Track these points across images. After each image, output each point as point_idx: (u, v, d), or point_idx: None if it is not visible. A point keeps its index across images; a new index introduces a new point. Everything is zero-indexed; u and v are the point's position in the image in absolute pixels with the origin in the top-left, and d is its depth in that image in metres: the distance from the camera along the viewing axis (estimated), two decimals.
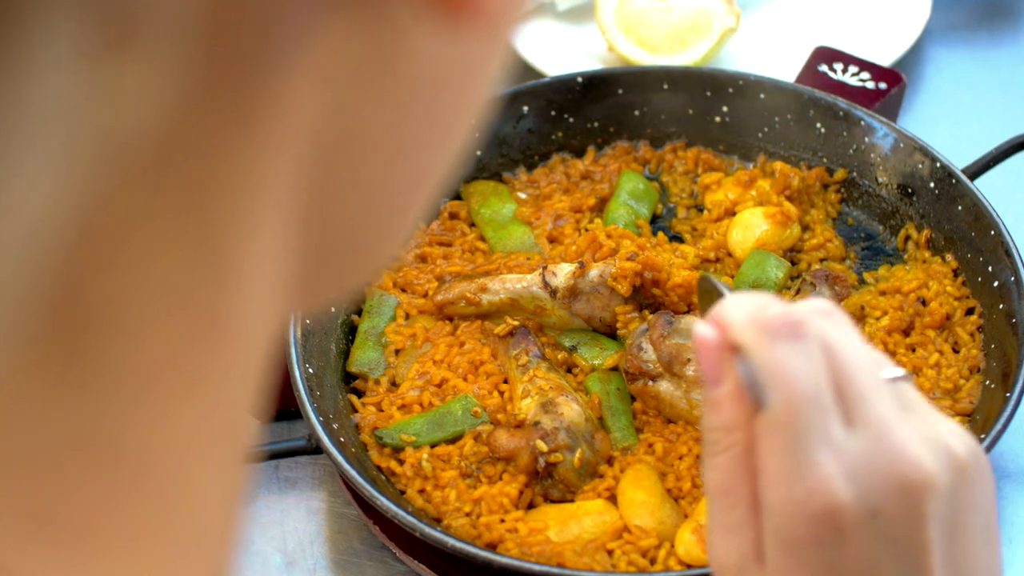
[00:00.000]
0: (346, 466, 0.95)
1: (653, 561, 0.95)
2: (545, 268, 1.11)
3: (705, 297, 0.70)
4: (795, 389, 0.59)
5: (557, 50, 1.47)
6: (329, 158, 0.33)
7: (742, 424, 0.62)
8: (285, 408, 1.06)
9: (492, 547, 0.96)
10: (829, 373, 0.61)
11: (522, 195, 1.26)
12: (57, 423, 0.29)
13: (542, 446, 0.98)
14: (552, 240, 1.21)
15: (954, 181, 1.15)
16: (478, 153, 1.27)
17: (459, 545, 0.91)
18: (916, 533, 0.60)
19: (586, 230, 1.21)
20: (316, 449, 0.99)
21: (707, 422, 0.63)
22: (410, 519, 0.92)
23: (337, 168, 0.34)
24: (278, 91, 0.30)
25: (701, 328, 0.64)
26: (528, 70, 1.48)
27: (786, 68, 1.40)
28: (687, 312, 1.08)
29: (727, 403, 0.62)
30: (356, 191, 0.36)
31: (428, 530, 0.92)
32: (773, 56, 1.47)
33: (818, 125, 1.24)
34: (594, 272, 1.10)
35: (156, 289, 0.29)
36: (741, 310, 0.62)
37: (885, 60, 1.40)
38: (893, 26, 1.47)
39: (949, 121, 1.43)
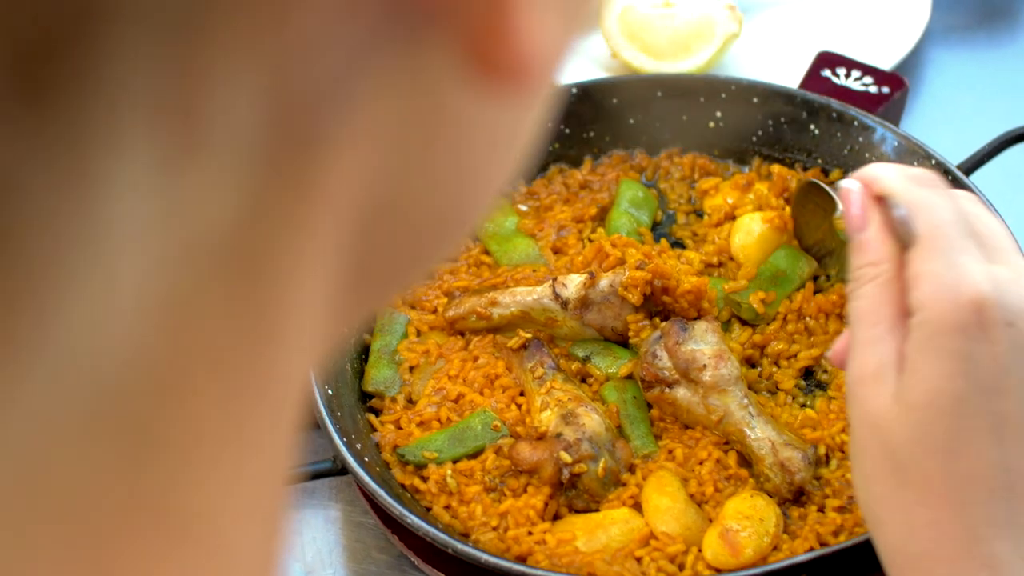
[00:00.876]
0: (375, 487, 0.96)
1: (682, 567, 0.96)
2: (555, 280, 1.12)
3: (808, 199, 1.02)
4: (940, 215, 0.71)
5: None
6: (370, 222, 0.34)
7: (887, 258, 0.72)
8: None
9: (522, 560, 0.97)
10: (969, 223, 0.72)
11: (523, 207, 1.28)
12: (110, 481, 0.30)
13: (566, 457, 0.99)
14: (556, 251, 1.22)
15: (950, 178, 1.16)
16: None
17: (493, 560, 0.92)
18: None
19: (590, 240, 1.22)
20: (342, 470, 1.00)
21: (855, 262, 0.75)
22: (443, 536, 0.93)
23: (376, 231, 0.35)
24: (328, 165, 0.31)
25: (847, 183, 0.77)
26: None
27: (789, 73, 1.42)
28: (698, 318, 1.10)
29: (873, 243, 0.74)
30: (393, 249, 0.36)
31: (461, 547, 0.93)
32: (776, 61, 1.49)
33: (812, 127, 1.26)
34: (604, 282, 1.11)
35: (208, 360, 0.31)
36: (888, 168, 0.77)
37: (887, 63, 1.42)
38: (894, 29, 1.49)
39: (951, 123, 1.45)
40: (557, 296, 1.11)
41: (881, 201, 0.75)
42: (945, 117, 1.47)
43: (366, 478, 0.97)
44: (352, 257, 0.34)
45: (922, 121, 1.46)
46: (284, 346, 0.33)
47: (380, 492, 0.96)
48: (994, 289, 0.67)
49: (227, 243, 0.30)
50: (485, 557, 0.92)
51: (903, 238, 0.72)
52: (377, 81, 0.31)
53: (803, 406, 1.08)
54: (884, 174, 0.76)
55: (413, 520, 0.94)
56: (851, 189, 0.76)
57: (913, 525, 0.68)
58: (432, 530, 0.94)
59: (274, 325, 0.32)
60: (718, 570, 0.95)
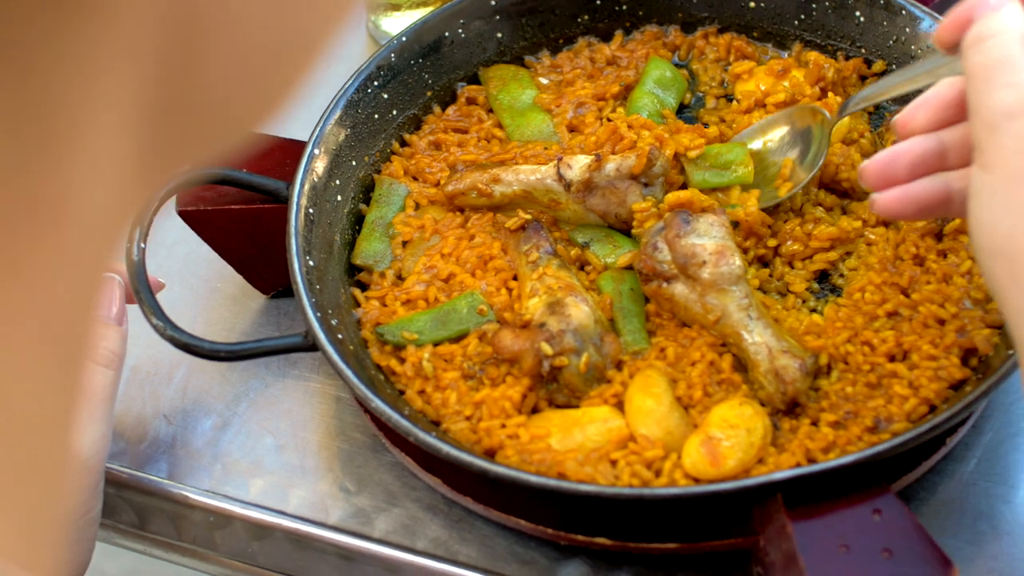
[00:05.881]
0: (342, 366, 0.91)
1: (658, 473, 0.91)
2: (560, 159, 1.06)
3: None
4: None
5: None
6: (169, 67, 0.32)
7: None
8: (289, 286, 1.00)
9: (491, 454, 0.92)
10: None
11: (544, 80, 1.21)
12: None
13: (547, 349, 0.93)
14: (572, 129, 1.15)
15: None
16: (499, 35, 1.21)
17: (454, 453, 0.87)
18: None
19: (608, 119, 1.15)
20: (312, 347, 0.95)
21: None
22: (405, 423, 0.88)
23: (177, 76, 0.33)
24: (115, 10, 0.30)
25: None
26: None
27: None
28: (703, 211, 1.03)
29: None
30: (199, 98, 0.35)
31: (423, 436, 0.88)
32: None
33: (857, 14, 1.17)
34: (611, 165, 1.04)
35: None
36: None
37: None
38: None
39: None
40: (561, 177, 1.05)
41: None
42: None
43: (335, 356, 0.92)
44: (153, 107, 0.33)
45: None
46: (78, 163, 0.31)
47: (347, 372, 0.91)
48: None
49: None
50: (446, 449, 0.87)
51: None
52: None
53: (812, 311, 1.02)
54: None
55: (377, 404, 0.90)
56: None
57: None
58: (396, 416, 0.89)
59: (60, 135, 0.30)
60: (696, 480, 0.90)
